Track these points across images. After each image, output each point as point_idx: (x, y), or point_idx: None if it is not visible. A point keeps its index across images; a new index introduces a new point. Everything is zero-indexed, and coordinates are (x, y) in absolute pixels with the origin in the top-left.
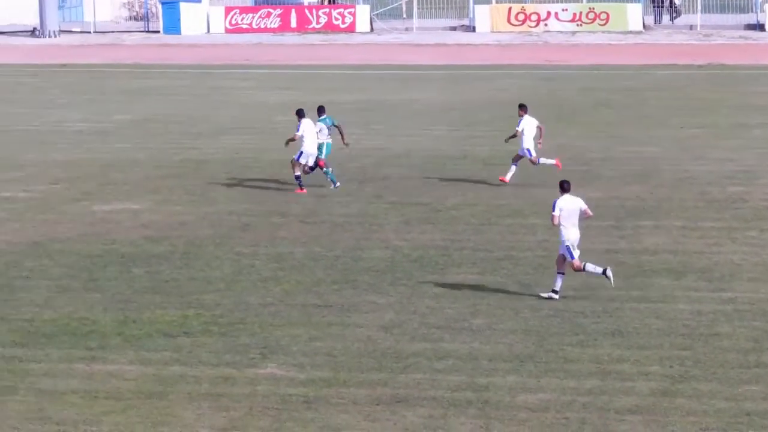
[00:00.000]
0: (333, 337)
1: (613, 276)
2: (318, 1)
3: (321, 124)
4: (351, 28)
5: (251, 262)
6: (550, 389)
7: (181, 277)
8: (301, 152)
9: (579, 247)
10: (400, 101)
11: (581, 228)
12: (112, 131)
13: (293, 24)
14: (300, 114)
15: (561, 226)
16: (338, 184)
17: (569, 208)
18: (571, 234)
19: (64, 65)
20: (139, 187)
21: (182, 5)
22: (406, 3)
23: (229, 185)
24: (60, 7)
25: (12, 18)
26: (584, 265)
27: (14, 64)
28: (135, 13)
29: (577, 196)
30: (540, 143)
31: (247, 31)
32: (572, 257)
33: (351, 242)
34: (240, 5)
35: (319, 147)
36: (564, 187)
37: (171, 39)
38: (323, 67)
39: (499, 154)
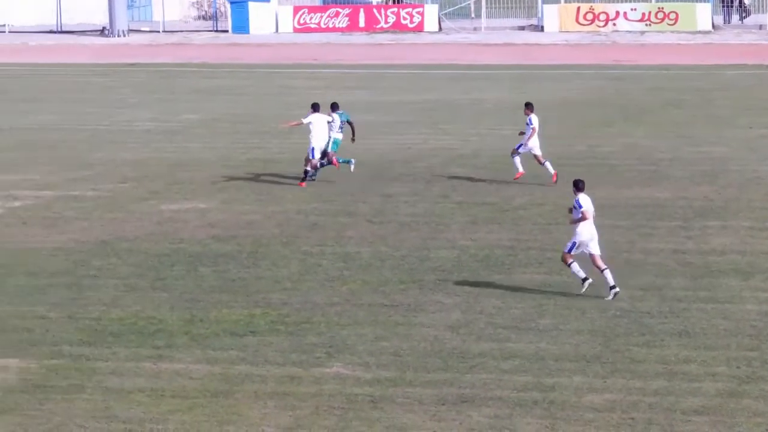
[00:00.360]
0: (399, 337)
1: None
2: (385, 1)
3: (335, 115)
4: (419, 28)
5: (318, 261)
6: (616, 389)
7: (248, 276)
8: (312, 148)
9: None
10: (468, 101)
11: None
12: (181, 131)
13: (361, 24)
14: (314, 108)
15: (580, 223)
16: (353, 161)
17: (589, 206)
18: (587, 230)
19: (133, 65)
20: (206, 186)
21: (251, 5)
22: (475, 3)
23: (296, 185)
24: (129, 7)
25: (81, 17)
26: (570, 263)
27: (84, 64)
28: (204, 13)
29: (590, 196)
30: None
31: (315, 30)
32: (568, 251)
33: (417, 242)
34: (308, 5)
35: (328, 142)
36: (579, 186)
37: (239, 38)
38: (391, 66)
39: (566, 154)
